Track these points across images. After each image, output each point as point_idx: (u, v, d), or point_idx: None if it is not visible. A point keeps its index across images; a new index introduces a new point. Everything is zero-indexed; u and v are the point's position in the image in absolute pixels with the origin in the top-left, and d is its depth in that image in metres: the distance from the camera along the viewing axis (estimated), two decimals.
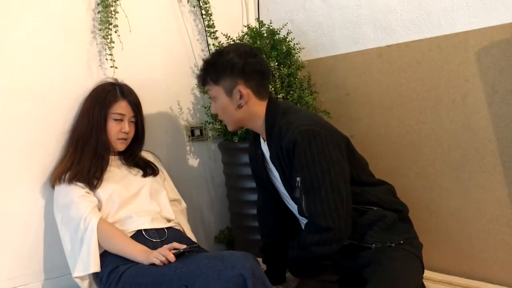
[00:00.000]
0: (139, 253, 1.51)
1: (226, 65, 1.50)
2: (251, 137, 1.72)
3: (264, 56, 1.95)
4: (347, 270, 1.52)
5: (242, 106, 1.51)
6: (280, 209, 1.67)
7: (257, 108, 1.53)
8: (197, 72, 2.25)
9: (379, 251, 1.45)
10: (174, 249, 1.48)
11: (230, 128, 1.60)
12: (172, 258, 1.43)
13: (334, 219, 1.37)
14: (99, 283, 1.57)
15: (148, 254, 1.48)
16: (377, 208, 1.49)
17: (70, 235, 1.61)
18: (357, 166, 1.55)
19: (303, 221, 1.58)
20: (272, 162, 1.55)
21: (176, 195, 1.92)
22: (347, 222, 1.40)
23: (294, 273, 1.62)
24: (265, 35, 2.07)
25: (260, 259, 1.83)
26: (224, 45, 2.11)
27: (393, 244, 1.45)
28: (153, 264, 1.45)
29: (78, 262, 1.55)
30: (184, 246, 1.48)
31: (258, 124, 1.55)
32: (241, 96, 1.50)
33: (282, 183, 1.54)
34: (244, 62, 1.50)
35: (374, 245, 1.45)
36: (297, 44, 2.11)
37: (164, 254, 1.44)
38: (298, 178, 1.41)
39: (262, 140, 1.62)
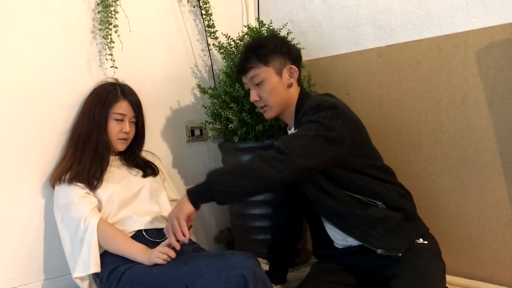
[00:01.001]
0: (139, 252, 1.51)
1: (275, 46, 1.56)
2: (281, 130, 1.76)
3: None
4: (358, 271, 1.49)
5: (292, 85, 1.56)
6: (297, 207, 1.66)
7: (294, 93, 1.58)
8: (197, 72, 2.29)
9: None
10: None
11: (272, 113, 1.59)
12: (172, 254, 1.43)
13: (295, 151, 1.32)
14: (99, 283, 1.57)
15: (149, 255, 1.47)
16: (381, 204, 1.45)
17: (70, 235, 1.61)
18: (373, 159, 1.54)
19: (329, 227, 1.56)
20: None
21: (176, 195, 1.92)
22: (305, 163, 1.32)
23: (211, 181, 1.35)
24: (265, 35, 2.07)
25: (260, 259, 1.83)
26: (224, 45, 2.12)
27: (400, 254, 1.38)
28: (155, 264, 1.45)
29: (78, 263, 1.55)
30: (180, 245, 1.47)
31: (291, 111, 1.57)
32: (290, 75, 1.56)
33: None
34: (289, 46, 1.60)
35: (380, 250, 1.40)
36: (297, 44, 2.11)
37: (164, 251, 1.44)
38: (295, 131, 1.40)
39: (289, 130, 1.63)
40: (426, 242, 1.44)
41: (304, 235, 2.14)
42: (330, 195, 1.45)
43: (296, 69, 1.57)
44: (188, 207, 1.35)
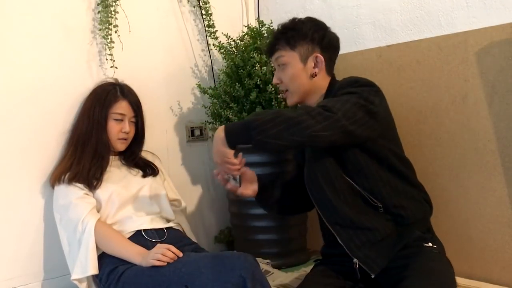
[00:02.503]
0: (136, 255, 1.51)
1: (306, 32, 1.49)
2: None
3: (263, 56, 1.96)
4: (362, 273, 1.43)
5: (315, 75, 1.49)
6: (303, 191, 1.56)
7: (323, 82, 1.51)
8: (197, 72, 2.29)
9: (413, 253, 1.38)
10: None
11: (292, 100, 1.53)
12: (170, 254, 1.43)
13: (340, 112, 1.27)
14: (98, 283, 1.57)
15: (145, 257, 1.47)
16: (381, 206, 1.41)
17: (68, 236, 1.61)
18: (398, 147, 1.50)
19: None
20: None
21: (176, 195, 1.91)
22: (349, 125, 1.28)
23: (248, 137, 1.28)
24: (265, 35, 2.07)
25: (260, 259, 1.83)
26: (224, 45, 2.12)
27: (372, 276, 1.36)
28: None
29: (76, 265, 1.55)
30: (181, 254, 1.46)
31: (319, 99, 1.51)
32: (315, 65, 1.49)
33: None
34: (324, 33, 1.51)
35: (356, 260, 1.39)
36: None
37: (160, 252, 1.44)
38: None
39: None
40: (435, 246, 1.41)
41: (304, 235, 2.14)
42: (331, 182, 1.40)
43: (322, 59, 1.48)
44: (228, 151, 1.32)
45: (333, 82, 1.52)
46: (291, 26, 1.52)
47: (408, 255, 1.37)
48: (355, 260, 1.40)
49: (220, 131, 1.32)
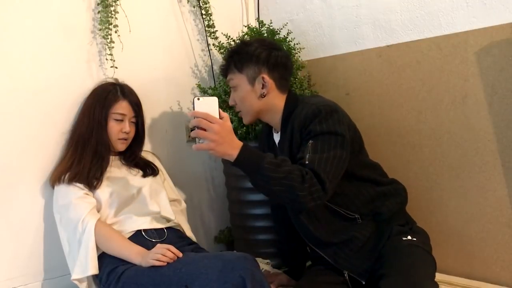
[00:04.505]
0: (136, 255, 1.51)
1: (251, 54, 1.52)
2: (264, 130, 1.73)
3: None
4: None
5: (264, 95, 1.52)
6: None
7: (277, 101, 1.54)
8: (197, 72, 2.29)
9: (391, 249, 1.42)
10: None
11: (246, 120, 1.59)
12: (170, 254, 1.43)
13: (330, 182, 1.32)
14: (98, 283, 1.57)
15: (145, 257, 1.47)
16: (359, 216, 1.46)
17: (68, 236, 1.61)
18: (364, 155, 1.55)
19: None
20: (281, 148, 1.54)
21: (176, 195, 1.92)
22: (330, 192, 1.35)
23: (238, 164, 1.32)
24: (265, 35, 2.07)
25: (259, 259, 1.83)
26: (224, 45, 2.12)
27: (363, 282, 1.42)
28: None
29: (76, 265, 1.55)
30: (181, 255, 1.46)
31: (276, 117, 1.55)
32: (263, 86, 1.52)
33: None
34: (269, 53, 1.53)
35: (346, 272, 1.46)
36: (297, 44, 2.11)
37: (160, 252, 1.44)
38: (311, 141, 1.38)
39: (274, 132, 1.62)
40: (414, 239, 1.44)
41: None
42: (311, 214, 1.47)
43: (269, 79, 1.51)
44: (232, 153, 1.29)
45: (290, 99, 1.55)
46: (237, 50, 1.57)
47: (385, 252, 1.42)
48: (345, 272, 1.46)
49: (236, 147, 1.29)
